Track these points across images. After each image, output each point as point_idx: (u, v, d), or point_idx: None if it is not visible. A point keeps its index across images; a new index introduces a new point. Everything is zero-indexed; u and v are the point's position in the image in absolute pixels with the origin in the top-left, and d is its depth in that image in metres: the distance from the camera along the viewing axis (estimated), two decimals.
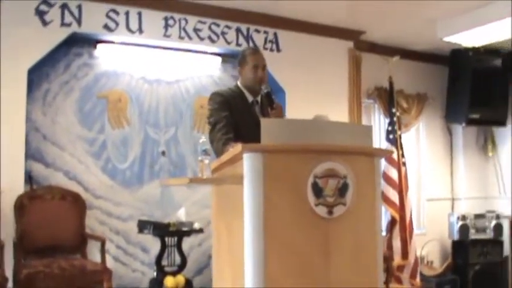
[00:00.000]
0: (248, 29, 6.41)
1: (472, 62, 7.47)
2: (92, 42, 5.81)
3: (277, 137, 2.98)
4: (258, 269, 2.85)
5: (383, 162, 7.30)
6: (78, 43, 5.75)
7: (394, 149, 7.28)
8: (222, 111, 3.86)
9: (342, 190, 3.03)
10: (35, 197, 5.32)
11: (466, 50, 7.39)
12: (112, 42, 5.86)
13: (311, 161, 2.96)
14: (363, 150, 3.28)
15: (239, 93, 4.05)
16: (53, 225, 5.29)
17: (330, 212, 2.99)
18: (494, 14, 6.18)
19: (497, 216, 7.65)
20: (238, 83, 4.13)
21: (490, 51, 7.48)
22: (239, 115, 3.93)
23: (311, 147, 3.00)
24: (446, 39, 6.81)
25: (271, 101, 3.89)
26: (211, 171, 3.37)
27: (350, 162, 3.08)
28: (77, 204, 5.50)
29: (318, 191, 2.95)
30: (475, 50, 7.35)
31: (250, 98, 4.05)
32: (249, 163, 2.90)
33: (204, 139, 3.39)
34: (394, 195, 7.17)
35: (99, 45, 5.83)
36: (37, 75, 5.54)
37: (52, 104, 5.64)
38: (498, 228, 7.63)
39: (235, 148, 3.00)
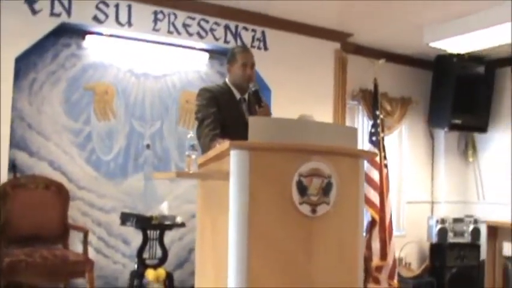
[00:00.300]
0: (237, 27, 6.44)
1: (456, 68, 7.57)
2: (80, 33, 5.80)
3: (265, 135, 3.03)
4: (241, 265, 2.89)
5: (365, 163, 7.37)
6: (67, 33, 5.74)
7: (376, 150, 7.36)
8: (210, 107, 3.91)
9: (326, 189, 3.09)
10: (18, 186, 5.31)
11: (451, 56, 7.47)
12: (101, 34, 5.86)
13: (297, 160, 3.01)
14: (348, 151, 3.35)
15: (227, 90, 4.10)
16: (36, 215, 5.28)
17: (314, 211, 3.04)
18: (480, 23, 6.27)
19: (475, 221, 7.76)
20: (227, 80, 4.18)
21: (474, 58, 7.60)
22: (227, 112, 3.98)
23: (297, 146, 3.05)
24: (432, 44, 6.89)
25: (259, 99, 3.95)
26: (198, 166, 3.40)
27: (335, 162, 3.14)
28: (60, 194, 5.50)
29: (302, 189, 3.01)
30: (460, 57, 7.44)
31: (238, 96, 4.11)
32: (235, 160, 2.94)
33: (191, 134, 3.42)
34: (374, 197, 7.25)
35: (87, 37, 5.82)
36: (24, 64, 5.52)
37: (38, 93, 5.63)
38: (476, 232, 7.73)
39: (223, 145, 3.04)
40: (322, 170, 3.08)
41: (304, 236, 3.04)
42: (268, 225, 2.96)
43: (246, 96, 4.14)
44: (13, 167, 5.42)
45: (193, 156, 3.25)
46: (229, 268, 2.91)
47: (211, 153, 3.27)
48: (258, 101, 3.95)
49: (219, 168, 3.16)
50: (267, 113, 3.99)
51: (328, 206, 3.09)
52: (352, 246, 3.30)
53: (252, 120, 3.05)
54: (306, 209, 3.02)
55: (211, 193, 3.39)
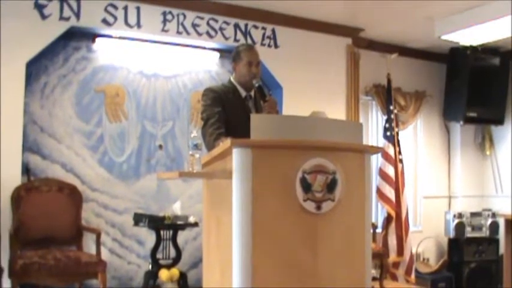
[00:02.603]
0: (246, 25, 6.43)
1: (470, 60, 7.48)
2: (90, 36, 5.84)
3: (267, 133, 3.01)
4: (245, 263, 2.88)
5: (380, 159, 7.35)
6: (77, 37, 5.78)
7: (391, 146, 7.32)
8: (214, 107, 3.92)
9: (331, 186, 3.06)
10: (31, 189, 5.36)
11: (464, 49, 7.39)
12: (110, 36, 5.89)
13: (300, 157, 2.99)
14: (352, 146, 3.31)
15: (232, 89, 4.11)
16: (49, 217, 5.32)
17: (318, 208, 3.02)
18: (493, 13, 6.19)
19: (493, 215, 7.66)
20: (232, 79, 4.18)
21: (488, 49, 7.49)
22: (232, 110, 3.98)
23: (300, 143, 3.03)
24: (444, 37, 6.83)
25: (263, 94, 3.94)
26: (202, 166, 3.40)
27: (339, 158, 3.11)
28: (73, 196, 5.53)
29: (306, 186, 2.98)
30: (473, 49, 7.35)
31: (243, 93, 4.10)
32: (238, 158, 2.93)
33: (195, 134, 3.42)
34: (390, 192, 7.22)
35: (97, 39, 5.86)
36: (35, 68, 5.58)
37: (50, 96, 5.68)
38: (494, 226, 7.64)
39: (225, 143, 3.03)
40: (326, 166, 3.05)
41: (309, 234, 3.01)
42: (272, 223, 2.94)
43: (252, 93, 4.13)
44: (26, 170, 5.48)
45: (197, 156, 3.25)
46: (233, 266, 2.90)
47: (214, 151, 3.27)
48: (263, 96, 3.94)
49: (222, 167, 3.16)
50: (273, 106, 3.93)
51: (333, 203, 3.06)
52: (359, 243, 3.26)
53: (253, 118, 3.03)
54: (310, 206, 2.99)
55: (216, 192, 3.39)
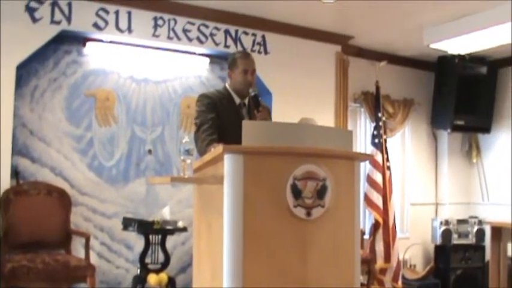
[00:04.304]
0: (237, 31, 6.46)
1: (458, 69, 7.56)
2: (81, 40, 5.84)
3: (259, 139, 3.04)
4: (236, 269, 2.90)
5: (368, 166, 7.39)
6: (68, 41, 5.78)
7: (379, 153, 7.37)
8: (208, 113, 3.94)
9: (321, 192, 3.09)
10: (20, 192, 5.35)
11: (452, 57, 7.46)
12: (101, 40, 5.90)
13: (291, 163, 3.02)
14: (342, 153, 3.35)
15: (227, 96, 4.13)
16: (38, 221, 5.32)
17: (309, 214, 3.05)
18: (480, 23, 6.26)
19: (480, 222, 7.73)
20: (227, 85, 4.20)
21: (475, 59, 7.59)
22: (226, 117, 4.00)
23: (291, 149, 3.06)
24: (432, 46, 6.88)
25: (257, 103, 3.97)
26: (194, 171, 3.42)
27: (329, 165, 3.14)
28: (62, 200, 5.53)
29: (296, 192, 3.01)
30: (461, 58, 7.43)
31: (237, 100, 4.13)
32: (229, 164, 2.95)
33: (187, 139, 3.43)
34: (378, 199, 7.26)
35: (88, 44, 5.86)
36: (26, 71, 5.56)
37: (40, 100, 5.67)
38: (480, 233, 7.71)
39: (217, 149, 3.05)
40: (317, 173, 3.08)
41: (299, 239, 3.04)
42: (262, 229, 2.97)
43: (246, 101, 4.16)
44: (15, 173, 5.46)
45: (188, 161, 3.27)
46: (224, 271, 2.92)
47: (206, 157, 3.28)
48: (257, 105, 3.97)
49: (214, 173, 3.17)
50: (266, 117, 3.99)
51: (323, 209, 3.09)
52: (348, 248, 3.30)
53: (245, 125, 3.05)
54: (300, 212, 3.02)
55: (206, 197, 3.41)
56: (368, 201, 7.30)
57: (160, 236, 5.70)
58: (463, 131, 8.12)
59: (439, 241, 7.65)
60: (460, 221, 7.75)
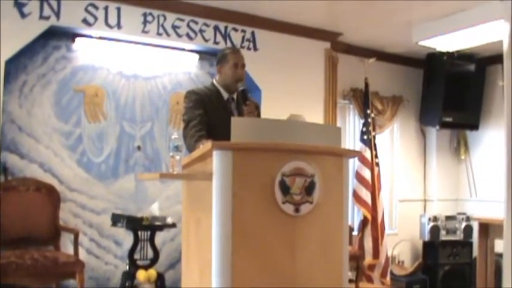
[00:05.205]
0: (226, 27, 6.46)
1: (447, 66, 7.61)
2: (70, 35, 5.82)
3: (247, 136, 3.05)
4: (225, 265, 2.91)
5: (357, 162, 7.42)
6: (57, 36, 5.75)
7: (367, 149, 7.40)
8: (196, 110, 3.96)
9: (309, 188, 3.11)
10: (9, 188, 5.34)
11: (441, 55, 7.50)
12: (90, 36, 5.87)
13: (279, 160, 3.04)
14: (331, 150, 3.37)
15: (215, 92, 4.15)
16: (27, 217, 5.32)
17: (297, 210, 3.06)
18: (469, 20, 6.28)
19: (468, 218, 7.78)
20: (214, 81, 4.22)
21: (464, 56, 7.62)
22: (214, 113, 4.03)
23: (279, 146, 3.07)
24: (421, 43, 6.91)
25: (245, 97, 4.00)
26: (183, 167, 3.43)
27: (318, 161, 3.16)
28: (51, 196, 5.52)
29: (285, 189, 3.03)
30: (450, 55, 7.46)
31: (226, 96, 4.15)
32: (218, 160, 2.96)
33: (176, 135, 3.44)
34: (366, 195, 7.30)
35: (77, 39, 5.84)
36: (14, 66, 5.54)
37: (29, 96, 5.65)
38: (468, 230, 7.76)
39: (206, 145, 3.07)
40: (305, 169, 3.10)
41: (288, 235, 3.06)
42: (251, 225, 2.98)
43: (235, 95, 4.18)
44: (4, 169, 5.44)
45: (177, 157, 3.27)
46: (213, 268, 2.93)
47: (195, 153, 3.30)
48: (245, 99, 4.00)
49: (202, 169, 3.18)
50: (252, 110, 4.02)
51: (311, 205, 3.11)
52: (337, 245, 3.32)
53: (234, 121, 3.06)
54: (289, 208, 3.04)
55: (195, 194, 3.42)
56: (357, 197, 7.34)
57: (149, 232, 5.70)
58: (452, 127, 8.17)
59: (427, 237, 7.70)
60: (448, 217, 7.80)
